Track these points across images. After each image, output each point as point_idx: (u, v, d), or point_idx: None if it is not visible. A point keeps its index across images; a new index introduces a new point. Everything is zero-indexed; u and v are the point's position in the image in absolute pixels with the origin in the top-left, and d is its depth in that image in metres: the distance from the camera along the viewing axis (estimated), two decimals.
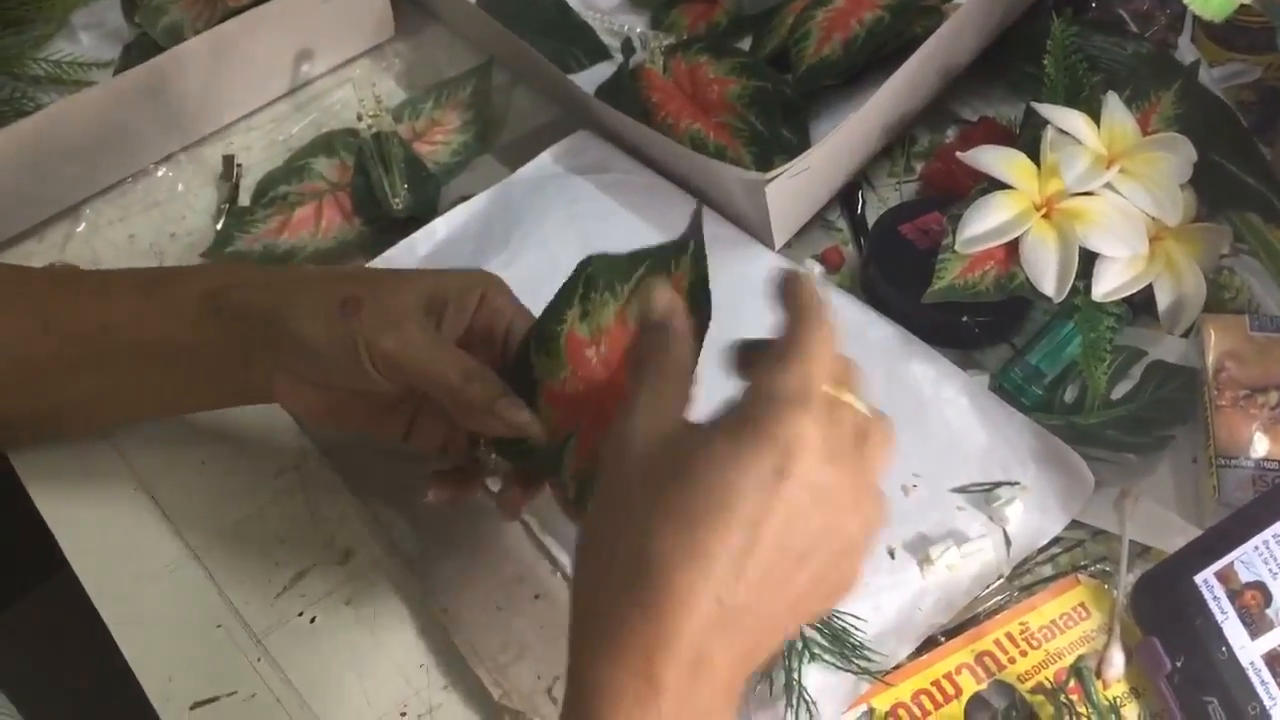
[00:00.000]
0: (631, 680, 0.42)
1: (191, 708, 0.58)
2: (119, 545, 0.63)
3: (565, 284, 0.54)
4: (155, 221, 0.78)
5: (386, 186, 0.77)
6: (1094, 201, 0.69)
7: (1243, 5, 0.67)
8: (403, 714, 0.58)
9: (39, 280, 0.64)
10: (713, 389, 0.52)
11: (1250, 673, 0.55)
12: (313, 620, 0.61)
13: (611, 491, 0.46)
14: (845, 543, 0.45)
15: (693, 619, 0.42)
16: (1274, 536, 0.56)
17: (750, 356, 0.49)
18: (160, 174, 0.80)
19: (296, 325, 0.55)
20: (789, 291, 0.48)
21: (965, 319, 0.69)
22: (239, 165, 0.81)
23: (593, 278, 0.54)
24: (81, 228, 0.78)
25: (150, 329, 0.58)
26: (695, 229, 0.54)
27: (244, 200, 0.79)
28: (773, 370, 0.45)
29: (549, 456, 0.54)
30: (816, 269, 0.74)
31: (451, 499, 0.59)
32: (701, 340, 0.52)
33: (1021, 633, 0.60)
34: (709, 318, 0.53)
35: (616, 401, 0.50)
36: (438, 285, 0.56)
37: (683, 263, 0.54)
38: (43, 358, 0.59)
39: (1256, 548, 0.56)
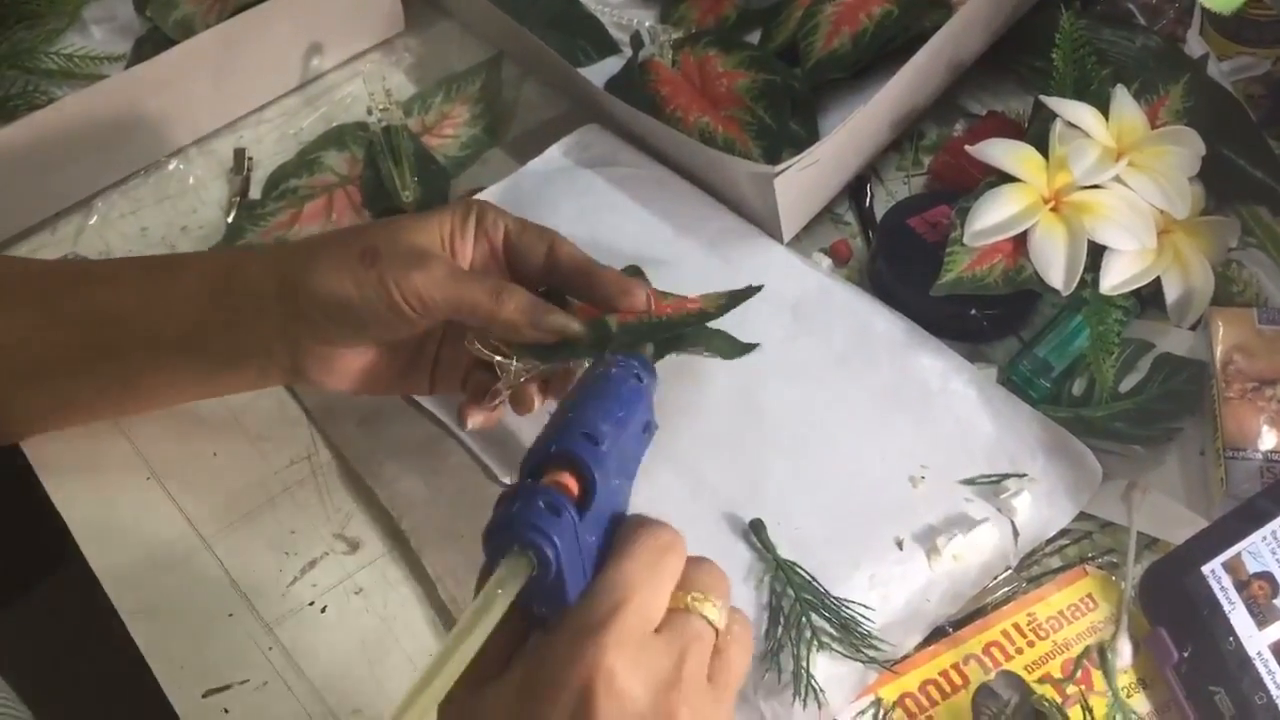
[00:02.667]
0: None
1: (204, 695, 0.58)
2: (131, 535, 0.64)
3: None
4: (167, 214, 0.78)
5: (396, 180, 0.77)
6: (1102, 195, 0.69)
7: None
8: None
9: (44, 271, 0.65)
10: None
11: (1257, 663, 0.55)
12: (323, 609, 0.61)
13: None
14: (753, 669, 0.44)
15: None
16: None
17: None
18: (172, 167, 0.81)
19: (321, 284, 0.55)
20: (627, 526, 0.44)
21: (973, 312, 0.69)
22: (250, 158, 0.81)
23: None
24: (94, 220, 0.78)
25: (160, 315, 0.58)
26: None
27: (255, 193, 0.79)
28: (580, 600, 0.40)
29: (593, 337, 0.57)
30: (825, 262, 0.74)
31: (487, 420, 0.61)
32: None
33: (1029, 624, 0.60)
34: None
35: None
36: (441, 223, 0.58)
37: None
38: (52, 349, 0.60)
39: (1264, 538, 0.57)
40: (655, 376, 0.53)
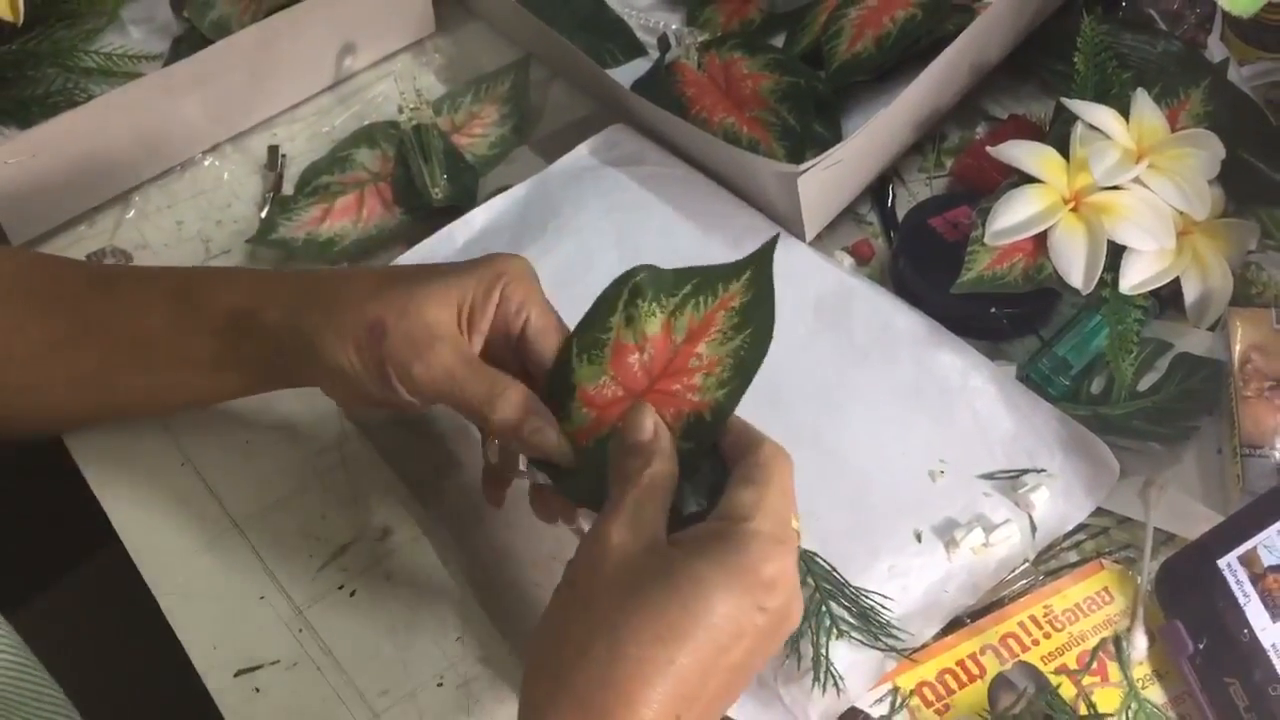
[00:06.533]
0: None
1: (235, 675, 0.60)
2: (166, 519, 0.65)
3: (608, 292, 0.55)
4: (202, 209, 0.80)
5: (426, 177, 0.78)
6: (1122, 196, 0.69)
7: (1270, 3, 0.68)
8: (439, 684, 0.60)
9: (81, 283, 0.65)
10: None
11: (1272, 655, 0.56)
12: (352, 593, 0.63)
13: (589, 586, 0.48)
14: (773, 656, 0.52)
15: None
16: None
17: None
18: (207, 163, 0.83)
19: (325, 353, 0.56)
20: (749, 436, 0.52)
21: (993, 310, 0.70)
22: (283, 156, 0.83)
23: (640, 287, 0.54)
24: (131, 214, 0.80)
25: (186, 341, 0.60)
26: (763, 256, 0.55)
27: (288, 190, 0.81)
28: (755, 506, 0.49)
29: (587, 471, 0.54)
30: (847, 261, 0.76)
31: (500, 495, 0.61)
32: (760, 359, 0.54)
33: (1045, 616, 0.61)
34: (768, 338, 0.54)
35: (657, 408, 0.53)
36: (462, 292, 0.56)
37: (733, 285, 0.55)
38: (84, 359, 0.62)
39: None
40: None
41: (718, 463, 0.53)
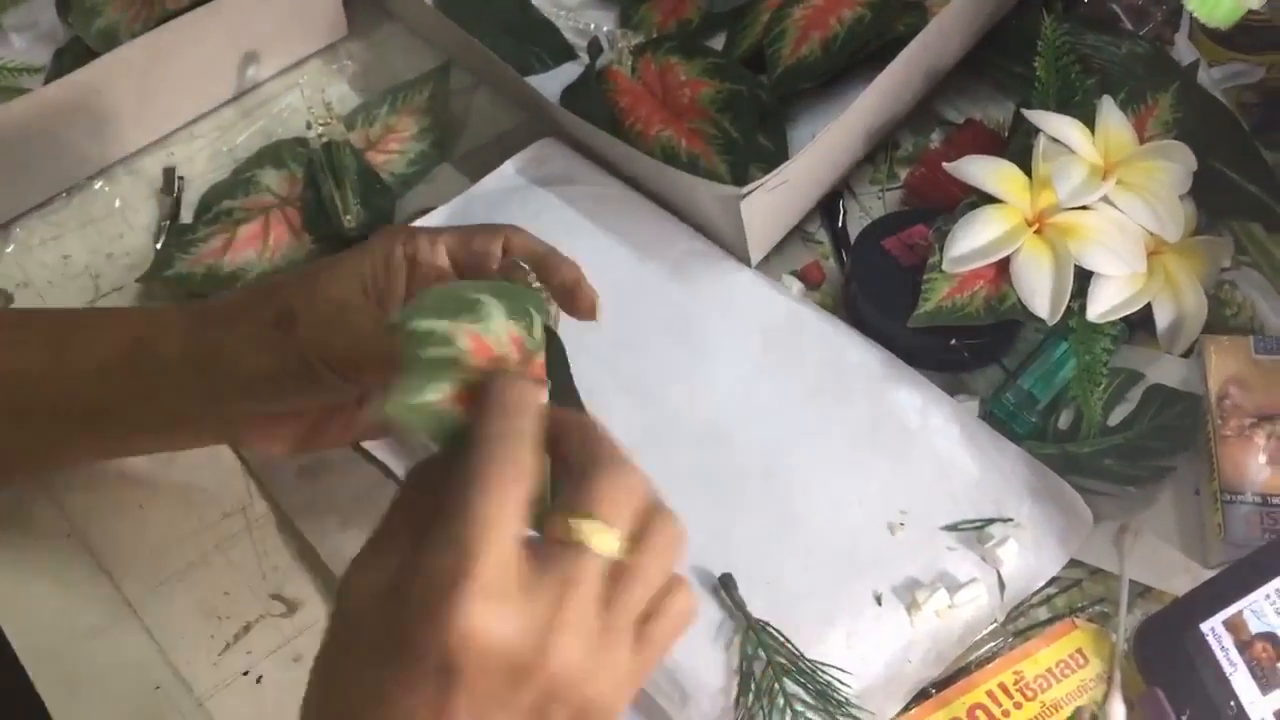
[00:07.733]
0: None
1: None
2: (50, 599, 0.59)
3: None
4: (91, 240, 0.73)
5: (338, 201, 0.72)
6: (1089, 216, 0.65)
7: None
8: None
9: None
10: None
11: None
12: (259, 680, 0.57)
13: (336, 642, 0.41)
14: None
15: None
16: None
17: None
18: (96, 188, 0.76)
19: (238, 359, 0.51)
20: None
21: (954, 342, 0.65)
22: (180, 178, 0.76)
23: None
24: (11, 248, 0.73)
25: (69, 386, 0.54)
26: None
27: (186, 216, 0.74)
28: (423, 544, 0.35)
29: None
30: (795, 286, 0.70)
31: None
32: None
33: (1016, 683, 0.56)
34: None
35: None
36: (360, 268, 0.52)
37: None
38: None
39: (1268, 595, 0.53)
40: None
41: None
